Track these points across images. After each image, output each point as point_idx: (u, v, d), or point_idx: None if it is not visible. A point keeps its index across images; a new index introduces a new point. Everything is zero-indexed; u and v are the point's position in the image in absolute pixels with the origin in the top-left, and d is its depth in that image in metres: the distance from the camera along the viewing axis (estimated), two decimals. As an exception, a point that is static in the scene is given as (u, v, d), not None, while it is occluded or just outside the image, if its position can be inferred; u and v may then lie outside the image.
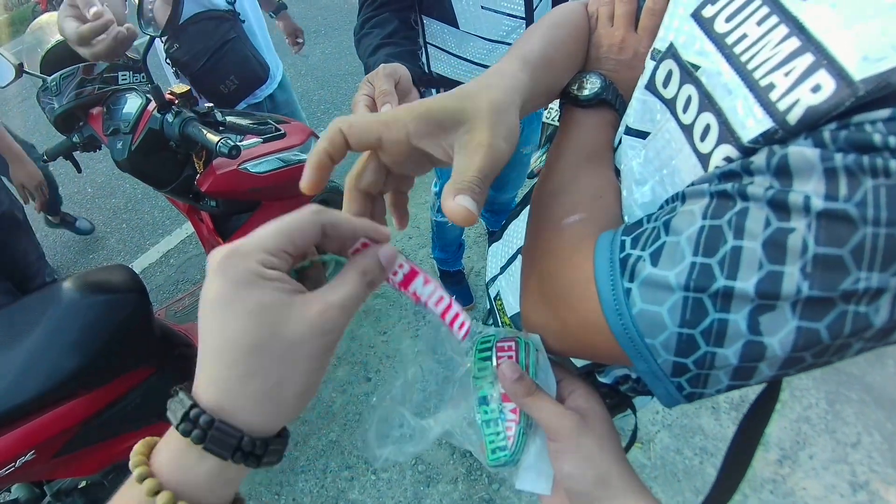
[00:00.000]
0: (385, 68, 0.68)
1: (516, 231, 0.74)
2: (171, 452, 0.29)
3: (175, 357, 1.63)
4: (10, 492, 1.49)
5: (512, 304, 0.70)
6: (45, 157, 1.41)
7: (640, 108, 0.43)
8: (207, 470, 0.29)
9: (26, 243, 1.79)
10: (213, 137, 1.09)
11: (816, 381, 2.07)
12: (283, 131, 1.24)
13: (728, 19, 0.35)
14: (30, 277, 1.82)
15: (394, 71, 0.68)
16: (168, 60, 1.62)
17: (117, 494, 0.29)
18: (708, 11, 0.36)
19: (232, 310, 0.28)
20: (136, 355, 1.41)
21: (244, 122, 1.26)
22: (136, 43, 1.03)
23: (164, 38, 1.63)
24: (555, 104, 2.13)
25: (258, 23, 1.76)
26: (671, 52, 0.39)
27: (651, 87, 0.41)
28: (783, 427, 1.93)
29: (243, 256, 0.29)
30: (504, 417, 0.44)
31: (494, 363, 0.44)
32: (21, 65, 1.31)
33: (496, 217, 2.41)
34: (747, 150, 0.32)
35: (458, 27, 1.29)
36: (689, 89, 0.37)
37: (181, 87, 1.23)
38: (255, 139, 1.22)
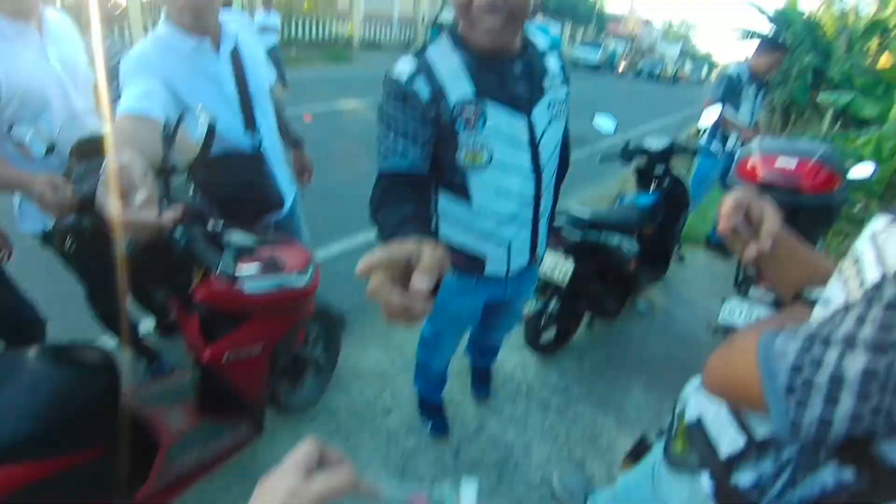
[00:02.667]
0: (444, 255, 0.66)
1: None
2: None
3: (130, 441, 1.61)
4: None
5: (692, 413, 0.97)
6: (50, 233, 1.48)
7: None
8: None
9: (11, 295, 1.83)
10: (213, 258, 1.17)
11: None
12: (282, 262, 1.33)
13: None
14: (20, 327, 1.86)
15: (444, 263, 0.67)
16: (190, 180, 1.77)
17: None
18: None
19: None
20: (94, 433, 1.40)
21: (248, 242, 1.35)
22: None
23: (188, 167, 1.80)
24: (551, 260, 2.27)
25: (278, 157, 1.93)
26: None
27: None
28: None
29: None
30: None
31: None
32: (54, 146, 1.42)
33: (482, 355, 2.46)
34: None
35: (471, 205, 1.42)
36: None
37: (192, 208, 1.33)
38: (255, 264, 1.30)
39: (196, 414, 1.82)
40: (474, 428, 2.37)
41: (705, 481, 0.89)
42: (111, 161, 0.90)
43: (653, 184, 3.05)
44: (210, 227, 1.33)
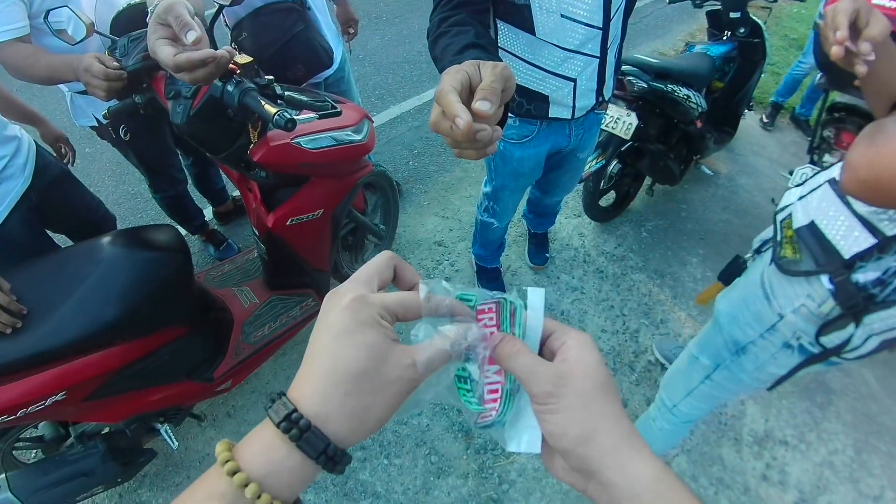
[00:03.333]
0: (506, 70, 0.56)
1: (814, 179, 1.07)
2: (263, 446, 0.34)
3: (209, 320, 1.68)
4: (36, 428, 1.58)
5: (800, 219, 1.02)
6: (107, 116, 1.43)
7: None
8: (291, 467, 0.34)
9: (86, 195, 1.86)
10: (271, 109, 1.11)
11: (846, 427, 1.99)
12: (339, 109, 1.25)
13: None
14: (97, 224, 1.90)
15: (508, 79, 0.56)
16: (234, 45, 1.66)
17: (196, 484, 0.34)
18: None
19: (352, 341, 0.35)
20: (174, 313, 1.46)
21: (302, 97, 1.27)
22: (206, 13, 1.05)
23: (229, 26, 1.67)
24: (614, 112, 2.11)
25: (322, 7, 1.79)
26: None
27: None
28: (805, 469, 1.86)
29: (369, 305, 0.37)
30: (483, 379, 0.44)
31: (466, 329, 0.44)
32: (92, 24, 1.33)
33: (540, 219, 2.40)
34: None
35: (534, 34, 1.28)
36: None
37: (244, 58, 1.24)
38: (311, 114, 1.23)
39: (265, 289, 1.88)
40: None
41: (825, 281, 0.95)
42: (156, 3, 0.82)
43: (727, 31, 2.72)
44: (263, 80, 1.24)
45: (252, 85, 1.20)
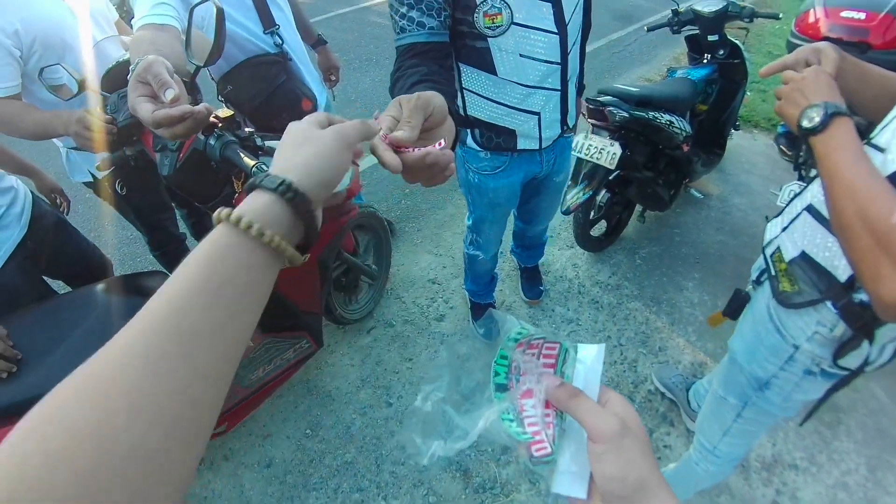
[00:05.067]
0: (420, 97, 0.59)
1: (791, 206, 1.08)
2: (253, 200, 0.43)
3: None
4: None
5: (790, 251, 1.03)
6: (100, 166, 1.47)
7: None
8: (257, 201, 0.43)
9: (82, 242, 1.90)
10: (249, 162, 1.15)
11: (858, 444, 1.94)
12: None
13: None
14: (95, 270, 1.93)
15: (427, 102, 0.59)
16: (221, 98, 1.72)
17: (206, 241, 0.41)
18: None
19: (303, 133, 0.50)
20: None
21: None
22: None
23: (215, 79, 1.73)
24: (598, 143, 2.14)
25: (303, 57, 1.84)
26: None
27: None
28: (817, 492, 1.81)
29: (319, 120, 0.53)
30: (518, 409, 0.45)
31: (519, 360, 0.47)
32: (84, 80, 1.40)
33: (528, 252, 2.41)
34: None
35: (496, 74, 1.34)
36: None
37: (225, 112, 1.29)
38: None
39: (259, 332, 1.89)
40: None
41: (830, 307, 0.95)
42: (137, 62, 0.85)
43: (707, 54, 2.77)
44: (244, 133, 1.28)
45: (233, 138, 1.24)
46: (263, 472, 1.89)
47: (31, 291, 1.66)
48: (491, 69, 1.33)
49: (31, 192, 1.70)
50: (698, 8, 2.66)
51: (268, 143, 1.29)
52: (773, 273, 1.09)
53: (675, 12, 2.74)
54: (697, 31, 2.74)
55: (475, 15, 1.21)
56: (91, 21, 1.70)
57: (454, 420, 0.46)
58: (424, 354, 2.26)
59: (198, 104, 0.90)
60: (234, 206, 0.39)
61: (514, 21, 1.23)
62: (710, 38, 2.70)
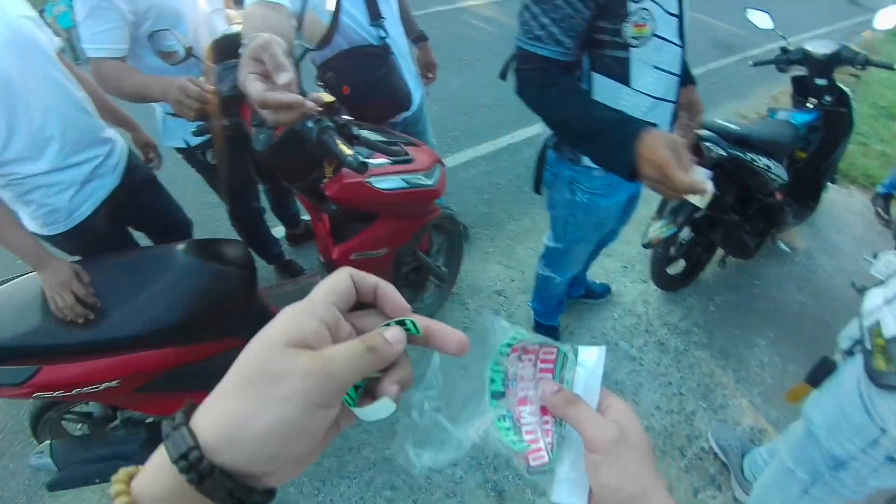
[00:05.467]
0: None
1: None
2: (152, 469, 0.30)
3: None
4: (87, 405, 1.67)
5: (891, 328, 0.98)
6: (196, 132, 1.52)
7: None
8: (153, 470, 0.30)
9: (168, 200, 1.99)
10: (346, 150, 1.14)
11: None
12: (411, 156, 1.28)
13: None
14: (176, 227, 2.01)
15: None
16: (320, 83, 1.74)
17: None
18: None
19: (262, 362, 0.31)
20: (232, 324, 1.51)
21: (377, 138, 1.30)
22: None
23: (316, 63, 1.75)
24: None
25: (404, 52, 1.85)
26: None
27: None
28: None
29: (305, 315, 0.33)
30: (516, 417, 0.44)
31: (515, 366, 0.45)
32: (191, 48, 1.46)
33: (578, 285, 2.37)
34: None
35: (629, 85, 1.33)
36: None
37: (326, 97, 1.30)
38: (384, 159, 1.26)
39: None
40: (584, 359, 2.29)
41: None
42: (251, 39, 0.86)
43: (812, 98, 2.59)
44: (341, 120, 1.29)
45: (331, 124, 1.25)
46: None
47: (116, 240, 1.76)
48: (626, 80, 1.32)
49: (128, 147, 1.78)
50: (809, 48, 2.49)
51: (364, 134, 1.29)
52: (868, 347, 1.02)
53: (785, 50, 2.58)
54: (805, 73, 2.58)
55: (624, 24, 1.20)
56: None
57: (447, 429, 0.44)
58: (480, 364, 2.21)
59: (302, 91, 0.89)
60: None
61: (655, 32, 1.24)
62: (819, 81, 2.53)
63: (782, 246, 2.89)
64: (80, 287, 1.36)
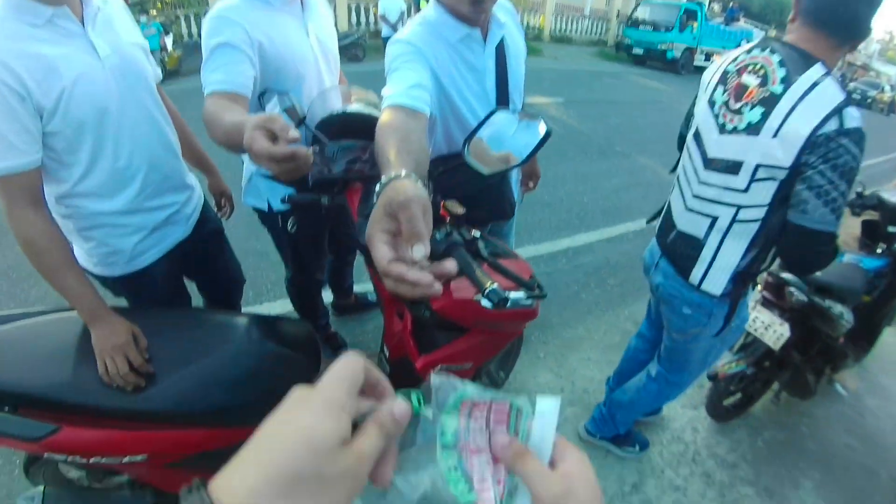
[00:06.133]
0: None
1: None
2: None
3: None
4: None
5: None
6: (285, 200, 1.44)
7: None
8: None
9: (230, 257, 1.89)
10: (484, 280, 1.04)
11: None
12: (545, 293, 1.22)
13: None
14: (231, 284, 1.92)
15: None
16: (429, 183, 1.70)
17: None
18: None
19: (298, 433, 0.33)
20: None
21: (508, 268, 1.23)
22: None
23: (431, 159, 1.73)
24: (766, 318, 1.99)
25: None
26: None
27: None
28: None
29: (340, 411, 0.35)
30: (467, 467, 0.44)
31: (466, 419, 0.45)
32: (304, 118, 1.41)
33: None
34: None
35: None
36: None
37: (456, 207, 1.23)
38: (519, 293, 1.18)
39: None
40: (631, 484, 2.17)
41: None
42: (388, 179, 0.70)
43: (883, 244, 2.58)
44: (468, 235, 1.22)
45: (460, 240, 1.16)
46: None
47: (171, 290, 1.65)
48: None
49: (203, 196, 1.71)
50: (885, 196, 2.52)
51: (490, 254, 1.22)
52: None
53: (860, 195, 2.59)
54: (878, 218, 2.57)
55: None
56: (326, 66, 1.72)
57: (394, 482, 0.42)
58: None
59: None
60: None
61: None
62: (892, 228, 2.53)
63: (839, 387, 2.80)
64: (136, 356, 1.23)
